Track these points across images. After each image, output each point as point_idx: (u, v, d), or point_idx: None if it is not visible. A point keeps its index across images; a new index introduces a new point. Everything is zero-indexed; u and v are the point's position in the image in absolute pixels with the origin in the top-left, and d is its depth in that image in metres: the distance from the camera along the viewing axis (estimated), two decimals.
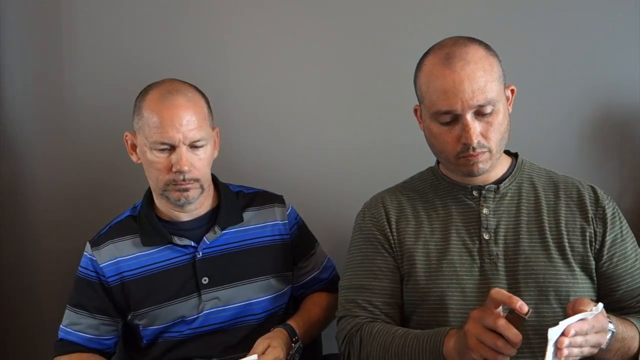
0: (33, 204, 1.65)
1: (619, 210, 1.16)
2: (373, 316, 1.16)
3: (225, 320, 1.31)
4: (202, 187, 1.27)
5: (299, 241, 1.41)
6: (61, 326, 1.33)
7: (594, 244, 1.12)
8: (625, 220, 1.16)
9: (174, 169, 1.22)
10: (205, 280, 1.29)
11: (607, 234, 1.12)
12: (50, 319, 1.64)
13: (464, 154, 1.09)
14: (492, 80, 1.07)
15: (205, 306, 1.29)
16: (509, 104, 1.15)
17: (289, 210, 1.41)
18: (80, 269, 1.33)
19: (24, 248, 1.66)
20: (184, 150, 1.22)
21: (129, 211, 1.37)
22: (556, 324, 0.88)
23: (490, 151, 1.10)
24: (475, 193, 1.16)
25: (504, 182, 1.16)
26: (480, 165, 1.10)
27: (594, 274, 1.11)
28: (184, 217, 1.32)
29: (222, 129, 1.36)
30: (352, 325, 1.15)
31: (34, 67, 1.62)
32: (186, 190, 1.25)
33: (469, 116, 1.06)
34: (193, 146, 1.24)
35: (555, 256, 1.09)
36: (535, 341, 1.06)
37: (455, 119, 1.07)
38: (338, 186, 1.64)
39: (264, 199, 1.40)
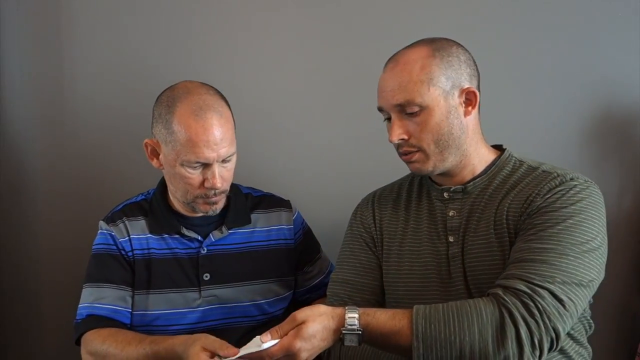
0: (33, 203, 1.65)
1: (587, 202, 1.04)
2: None
3: (220, 318, 1.31)
4: (227, 196, 1.29)
5: (304, 246, 1.41)
6: (82, 305, 1.28)
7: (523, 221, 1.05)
8: (588, 215, 1.02)
9: (207, 185, 1.22)
10: (206, 277, 1.30)
11: (535, 202, 1.05)
12: (51, 319, 1.64)
13: (399, 151, 1.14)
14: (419, 81, 1.07)
15: (203, 302, 1.30)
16: (473, 107, 1.12)
17: (295, 215, 1.41)
18: (97, 246, 1.32)
19: (23, 248, 1.66)
20: (216, 167, 1.22)
21: (143, 195, 1.38)
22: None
23: (422, 151, 1.10)
24: (445, 195, 1.16)
25: (473, 182, 1.14)
26: (417, 165, 1.12)
27: None
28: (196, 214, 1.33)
29: None
30: None
31: (34, 67, 1.62)
32: (215, 203, 1.26)
33: (393, 115, 1.11)
34: (224, 160, 1.24)
35: (497, 253, 1.07)
36: None
37: (390, 116, 1.12)
38: (336, 187, 1.64)
39: (271, 202, 1.41)
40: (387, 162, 1.56)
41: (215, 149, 1.20)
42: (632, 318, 1.63)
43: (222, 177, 1.24)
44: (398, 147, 1.13)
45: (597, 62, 1.60)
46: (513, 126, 1.57)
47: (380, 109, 1.14)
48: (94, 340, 1.22)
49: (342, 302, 1.18)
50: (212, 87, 1.28)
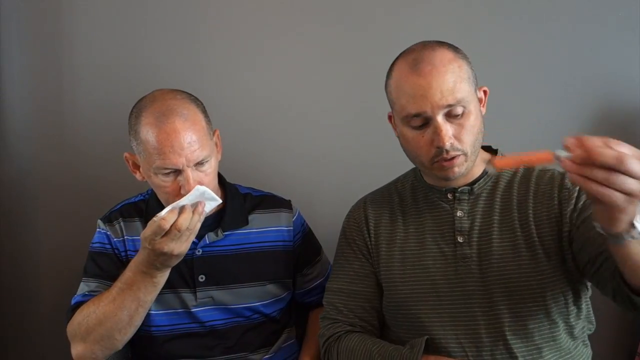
0: (33, 202, 1.66)
1: None
2: (349, 321, 1.19)
3: (216, 319, 1.31)
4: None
5: (304, 248, 1.41)
6: (76, 296, 1.29)
7: (567, 224, 1.07)
8: None
9: (182, 192, 1.19)
10: (202, 278, 1.29)
11: (577, 203, 1.07)
12: (51, 318, 1.65)
13: (438, 158, 1.07)
14: (461, 81, 1.06)
15: (199, 304, 1.29)
16: (482, 105, 1.14)
17: (295, 217, 1.40)
18: (93, 244, 1.33)
19: (23, 246, 1.66)
20: (189, 172, 1.18)
21: (141, 196, 1.38)
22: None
23: (465, 154, 1.08)
24: (449, 196, 1.16)
25: (478, 183, 1.15)
26: (456, 170, 1.08)
27: (571, 261, 1.06)
28: None
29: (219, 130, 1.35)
30: (332, 333, 1.18)
31: (34, 67, 1.63)
32: None
33: (440, 118, 1.05)
34: (198, 163, 1.20)
35: (525, 254, 1.08)
36: (513, 341, 1.06)
37: (427, 122, 1.06)
38: (337, 187, 1.65)
39: (271, 203, 1.40)
40: (389, 162, 1.57)
41: (182, 154, 1.16)
42: (632, 318, 1.63)
43: (200, 182, 1.20)
44: (442, 152, 1.06)
45: (597, 62, 1.59)
46: (512, 126, 1.57)
47: (416, 114, 1.06)
48: (74, 319, 1.23)
49: (338, 310, 1.20)
50: (183, 92, 1.25)
